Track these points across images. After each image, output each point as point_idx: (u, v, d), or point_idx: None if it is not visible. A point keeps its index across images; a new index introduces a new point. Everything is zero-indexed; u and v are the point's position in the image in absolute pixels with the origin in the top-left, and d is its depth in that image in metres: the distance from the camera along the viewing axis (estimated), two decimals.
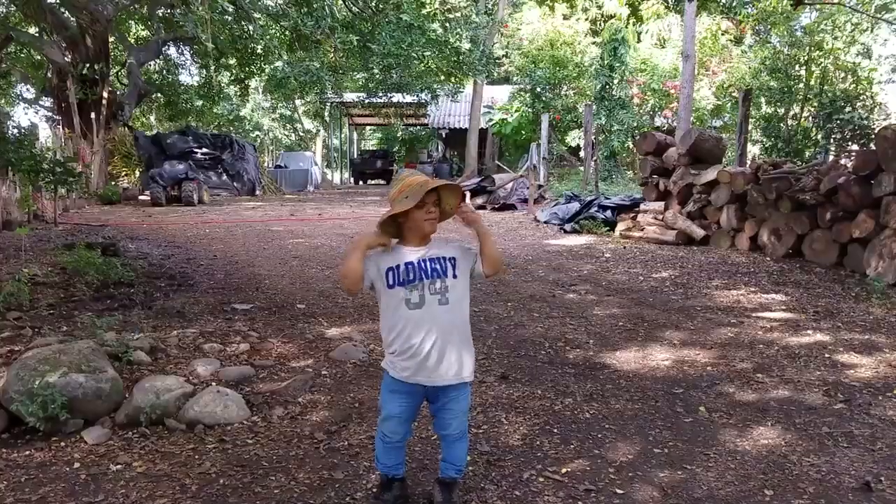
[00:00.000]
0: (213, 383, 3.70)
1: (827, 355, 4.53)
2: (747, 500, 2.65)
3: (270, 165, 29.87)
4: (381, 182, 33.58)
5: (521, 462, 2.97)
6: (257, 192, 22.64)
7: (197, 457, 2.99)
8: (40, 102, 22.64)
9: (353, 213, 15.46)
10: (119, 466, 2.89)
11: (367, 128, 47.29)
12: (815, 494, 2.70)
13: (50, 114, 20.38)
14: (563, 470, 2.89)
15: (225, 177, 21.83)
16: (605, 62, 20.92)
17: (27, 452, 3.01)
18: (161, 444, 3.10)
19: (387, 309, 2.44)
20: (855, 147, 13.57)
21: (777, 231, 8.34)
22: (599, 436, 3.25)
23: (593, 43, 24.97)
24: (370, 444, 3.14)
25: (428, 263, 2.40)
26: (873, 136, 9.05)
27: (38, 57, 21.48)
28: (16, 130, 6.89)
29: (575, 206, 12.31)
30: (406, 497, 2.61)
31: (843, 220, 7.44)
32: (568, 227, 11.45)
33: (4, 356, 3.88)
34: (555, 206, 13.17)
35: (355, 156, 39.67)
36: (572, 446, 3.13)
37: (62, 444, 3.09)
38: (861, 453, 3.06)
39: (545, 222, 12.42)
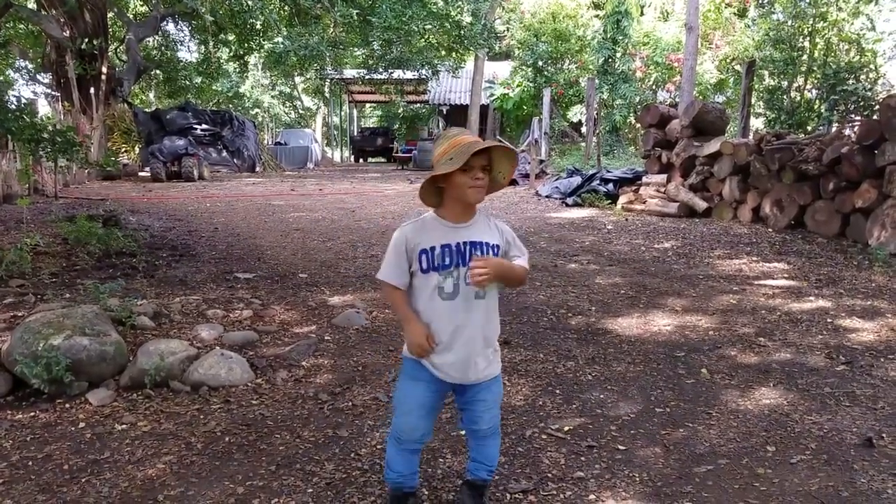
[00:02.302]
0: (217, 347, 3.71)
1: (829, 320, 4.53)
2: (749, 456, 2.66)
3: (270, 142, 29.79)
4: (382, 160, 33.53)
5: (523, 420, 2.98)
6: (257, 169, 22.60)
7: (202, 416, 3.00)
8: (38, 78, 22.47)
9: (353, 189, 15.42)
10: (124, 426, 2.90)
11: (368, 105, 47.02)
12: (818, 450, 2.71)
13: (49, 90, 20.22)
14: (566, 428, 2.90)
15: (225, 153, 21.77)
16: (608, 35, 20.67)
17: (32, 414, 3.02)
18: (166, 405, 3.12)
19: (416, 293, 2.09)
20: (858, 118, 13.45)
21: (779, 202, 8.30)
22: (601, 396, 3.26)
23: (596, 16, 24.66)
24: (374, 404, 3.16)
25: (468, 247, 2.03)
26: (877, 107, 8.97)
27: (34, 28, 21.24)
28: (15, 100, 6.85)
29: (577, 180, 12.27)
30: None
31: (846, 190, 7.41)
32: (570, 200, 11.42)
33: (8, 321, 3.90)
34: (556, 180, 13.13)
35: (355, 133, 39.53)
36: (574, 406, 3.15)
37: (67, 405, 3.10)
38: (863, 412, 3.07)
39: (547, 196, 12.38)
